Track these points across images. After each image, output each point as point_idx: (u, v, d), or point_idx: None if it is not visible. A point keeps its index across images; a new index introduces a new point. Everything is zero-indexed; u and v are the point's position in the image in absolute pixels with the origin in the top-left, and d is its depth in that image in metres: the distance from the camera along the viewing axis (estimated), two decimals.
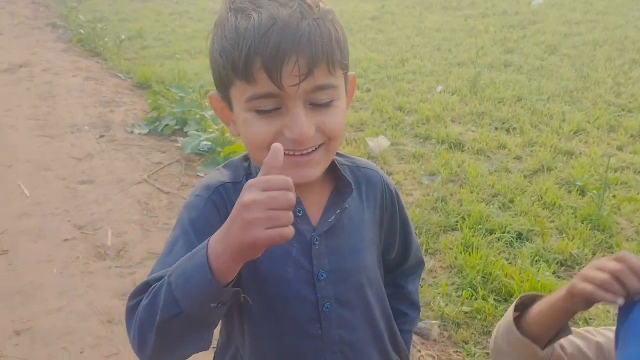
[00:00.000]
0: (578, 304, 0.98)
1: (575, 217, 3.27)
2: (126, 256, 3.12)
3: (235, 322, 1.07)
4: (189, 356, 0.90)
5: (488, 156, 4.14)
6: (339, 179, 1.07)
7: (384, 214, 1.15)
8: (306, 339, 1.05)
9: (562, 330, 1.08)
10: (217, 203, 1.00)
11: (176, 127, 4.83)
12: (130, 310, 0.88)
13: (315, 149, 0.95)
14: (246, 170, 1.06)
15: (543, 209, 3.40)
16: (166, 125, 4.83)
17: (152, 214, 3.53)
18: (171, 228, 1.02)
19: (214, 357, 1.19)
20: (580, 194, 3.52)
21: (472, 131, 4.59)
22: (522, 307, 1.13)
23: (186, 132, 4.61)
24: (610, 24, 7.66)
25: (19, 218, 3.54)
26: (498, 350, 1.16)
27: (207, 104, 4.84)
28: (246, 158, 1.08)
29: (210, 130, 4.46)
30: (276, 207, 0.74)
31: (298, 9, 0.88)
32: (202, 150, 4.33)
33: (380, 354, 1.15)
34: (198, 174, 4.10)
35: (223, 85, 0.95)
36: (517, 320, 1.11)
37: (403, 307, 1.27)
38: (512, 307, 1.12)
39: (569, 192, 3.57)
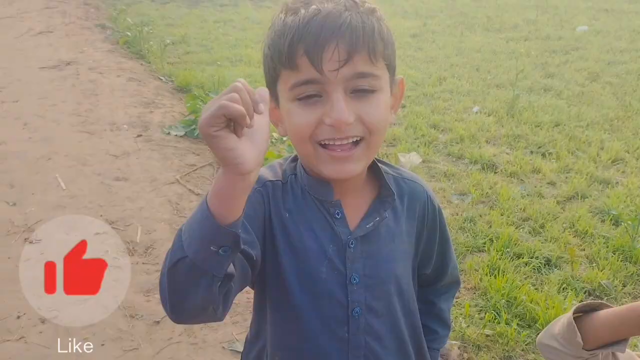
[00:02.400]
0: None
1: (607, 247, 3.19)
2: (154, 253, 3.17)
3: (267, 315, 1.09)
4: (200, 314, 0.89)
5: (521, 180, 4.08)
6: (383, 187, 1.07)
7: (424, 228, 1.15)
8: (333, 340, 1.06)
9: (617, 343, 1.09)
10: (264, 194, 1.03)
11: None
12: (160, 277, 0.90)
13: (356, 143, 0.95)
14: (292, 170, 1.07)
15: (574, 236, 3.33)
16: None
17: (181, 214, 3.59)
18: None
19: (242, 352, 1.22)
20: (614, 224, 3.44)
21: (507, 153, 4.53)
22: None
23: None
24: None
25: (53, 209, 3.63)
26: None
27: None
28: (294, 159, 1.10)
29: None
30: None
31: (343, 3, 0.92)
32: None
33: None
34: None
35: (272, 79, 0.98)
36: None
37: (433, 324, 1.26)
38: (574, 308, 1.15)
39: (602, 221, 3.49)
